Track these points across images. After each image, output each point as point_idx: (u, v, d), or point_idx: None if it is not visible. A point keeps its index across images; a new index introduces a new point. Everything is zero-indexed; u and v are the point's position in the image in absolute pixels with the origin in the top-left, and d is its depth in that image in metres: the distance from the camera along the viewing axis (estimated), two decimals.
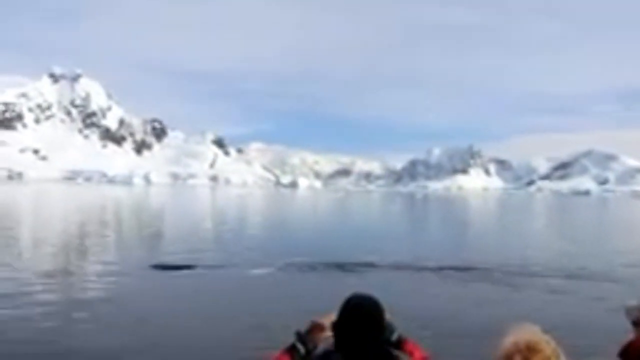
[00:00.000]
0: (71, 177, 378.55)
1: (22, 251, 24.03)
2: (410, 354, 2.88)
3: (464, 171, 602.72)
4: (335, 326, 2.80)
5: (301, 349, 2.83)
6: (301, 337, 2.86)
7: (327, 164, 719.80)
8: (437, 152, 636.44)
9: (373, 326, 2.76)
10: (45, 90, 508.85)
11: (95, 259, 21.04)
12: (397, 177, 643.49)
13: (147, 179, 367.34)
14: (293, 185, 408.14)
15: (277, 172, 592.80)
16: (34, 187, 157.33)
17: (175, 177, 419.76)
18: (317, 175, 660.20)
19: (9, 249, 24.47)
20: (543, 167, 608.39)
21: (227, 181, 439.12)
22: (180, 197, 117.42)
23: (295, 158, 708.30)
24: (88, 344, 10.20)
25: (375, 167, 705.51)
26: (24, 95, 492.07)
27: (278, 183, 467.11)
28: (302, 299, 14.44)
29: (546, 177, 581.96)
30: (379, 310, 2.82)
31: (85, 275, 17.58)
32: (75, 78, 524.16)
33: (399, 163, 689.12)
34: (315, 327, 2.89)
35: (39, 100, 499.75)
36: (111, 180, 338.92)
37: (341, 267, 19.83)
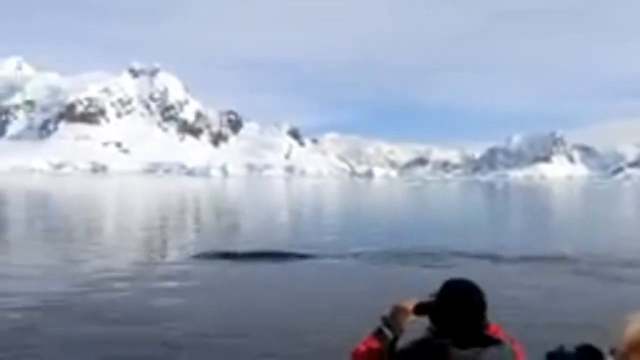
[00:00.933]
0: (152, 169, 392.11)
1: (110, 240, 25.13)
2: (496, 334, 2.92)
3: (546, 159, 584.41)
4: (436, 311, 2.79)
5: (388, 333, 2.82)
6: (387, 321, 2.84)
7: (403, 153, 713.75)
8: (517, 139, 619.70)
9: (478, 310, 2.80)
10: (126, 85, 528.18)
11: (178, 248, 21.68)
12: (476, 165, 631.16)
13: (224, 171, 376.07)
14: (368, 175, 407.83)
15: (352, 162, 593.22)
16: (118, 180, 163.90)
17: (251, 168, 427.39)
18: (393, 164, 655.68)
19: (97, 237, 25.65)
20: (631, 153, 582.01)
21: (303, 172, 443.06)
22: (257, 188, 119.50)
23: (371, 148, 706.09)
24: (178, 330, 10.58)
25: (452, 155, 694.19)
26: (106, 90, 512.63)
27: (353, 173, 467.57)
28: (382, 287, 14.45)
29: (635, 164, 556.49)
30: (482, 294, 2.85)
31: (168, 263, 18.18)
32: (153, 73, 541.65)
33: (477, 151, 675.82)
34: (400, 311, 2.88)
35: (120, 95, 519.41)
36: (190, 172, 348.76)
37: (422, 256, 19.67)
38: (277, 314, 11.76)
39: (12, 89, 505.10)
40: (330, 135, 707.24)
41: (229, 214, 43.98)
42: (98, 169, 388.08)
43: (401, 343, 2.74)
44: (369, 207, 57.90)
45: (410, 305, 2.86)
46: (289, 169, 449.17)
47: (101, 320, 11.14)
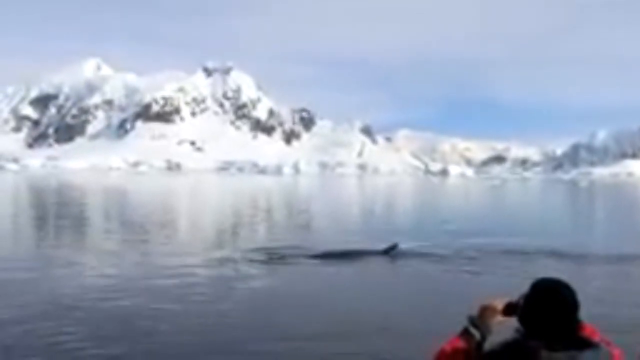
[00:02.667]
0: (225, 167, 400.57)
1: (186, 236, 25.85)
2: (592, 336, 2.79)
3: (634, 155, 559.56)
4: (525, 312, 2.70)
5: (476, 333, 2.75)
6: (474, 321, 2.77)
7: (480, 150, 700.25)
8: (602, 135, 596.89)
9: (571, 310, 2.70)
10: (200, 84, 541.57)
11: (251, 245, 21.97)
12: (557, 163, 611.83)
13: (296, 168, 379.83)
14: (443, 173, 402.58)
15: (427, 159, 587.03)
16: (193, 178, 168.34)
17: (323, 166, 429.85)
18: (469, 162, 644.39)
19: (174, 233, 26.44)
20: None
21: (375, 170, 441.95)
22: (330, 186, 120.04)
23: (446, 145, 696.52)
24: (253, 324, 10.77)
25: (532, 152, 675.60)
26: (181, 89, 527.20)
27: (427, 171, 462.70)
28: (465, 288, 14.27)
29: None
30: (574, 293, 2.76)
31: (239, 260, 18.49)
32: (226, 71, 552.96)
33: (558, 148, 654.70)
34: (487, 311, 2.80)
35: (195, 94, 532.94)
36: (262, 171, 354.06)
37: (505, 254, 19.31)
38: (363, 313, 11.78)
39: (92, 90, 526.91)
40: (404, 132, 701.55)
41: (303, 212, 44.42)
42: (173, 167, 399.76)
43: (488, 345, 2.65)
44: (446, 206, 57.17)
45: (498, 305, 2.79)
46: (362, 167, 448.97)
47: (175, 314, 11.48)
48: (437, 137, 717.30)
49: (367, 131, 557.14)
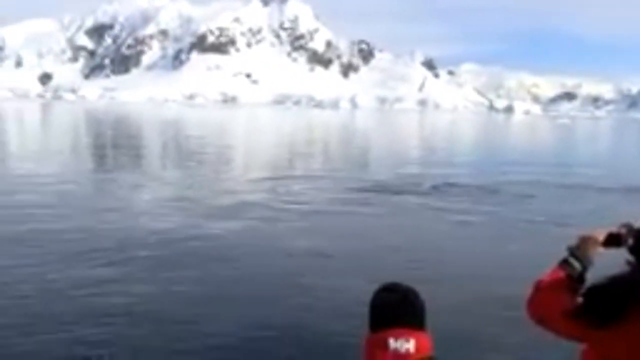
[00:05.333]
0: (280, 100, 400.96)
1: (240, 167, 26.66)
2: None
3: None
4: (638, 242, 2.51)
5: (576, 264, 2.60)
6: (574, 252, 2.62)
7: (548, 86, 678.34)
8: None
9: None
10: (256, 14, 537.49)
11: (304, 181, 22.40)
12: (632, 101, 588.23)
13: (353, 103, 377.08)
14: (508, 110, 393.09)
15: (491, 96, 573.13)
16: (249, 111, 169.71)
17: (382, 101, 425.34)
18: (536, 99, 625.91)
19: (232, 166, 27.29)
20: None
21: (437, 105, 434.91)
22: (388, 121, 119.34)
23: (512, 80, 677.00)
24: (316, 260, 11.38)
25: (605, 90, 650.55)
26: (236, 19, 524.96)
27: (491, 108, 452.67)
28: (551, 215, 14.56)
29: None
30: None
31: (293, 193, 19.09)
32: (283, 1, 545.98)
33: (634, 86, 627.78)
34: (588, 242, 2.64)
35: (250, 24, 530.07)
36: (318, 104, 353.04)
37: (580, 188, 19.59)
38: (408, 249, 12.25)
39: (146, 19, 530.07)
40: (468, 66, 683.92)
41: (360, 147, 44.74)
42: (228, 100, 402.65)
43: (591, 277, 2.51)
44: (511, 145, 56.43)
45: (599, 235, 2.65)
46: (422, 103, 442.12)
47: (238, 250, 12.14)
48: (503, 72, 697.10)
49: (429, 64, 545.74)
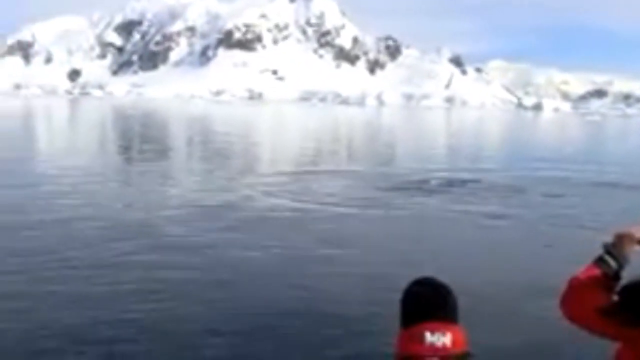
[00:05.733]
0: (306, 97, 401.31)
1: (266, 163, 26.78)
2: None
3: None
4: None
5: (612, 262, 2.53)
6: (609, 249, 2.55)
7: (578, 83, 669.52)
8: None
9: None
10: (283, 10, 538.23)
11: (329, 178, 22.45)
12: None
13: (379, 100, 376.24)
14: (537, 107, 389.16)
15: (519, 93, 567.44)
16: (274, 107, 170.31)
17: (408, 97, 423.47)
18: (565, 96, 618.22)
19: (254, 160, 27.42)
20: None
21: (464, 102, 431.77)
22: (415, 118, 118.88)
23: (541, 77, 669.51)
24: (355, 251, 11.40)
25: (637, 87, 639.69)
26: (263, 16, 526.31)
27: (520, 105, 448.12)
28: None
29: None
30: None
31: (324, 188, 19.14)
32: None
33: None
34: (624, 239, 2.56)
35: (277, 21, 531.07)
36: (344, 101, 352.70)
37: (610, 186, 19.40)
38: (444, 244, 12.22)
39: (174, 16, 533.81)
40: (496, 63, 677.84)
41: (386, 143, 44.67)
42: (254, 96, 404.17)
43: (627, 276, 2.47)
44: (542, 141, 55.90)
45: (636, 232, 2.57)
46: (449, 100, 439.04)
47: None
48: (532, 68, 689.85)
49: (456, 61, 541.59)
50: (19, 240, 11.21)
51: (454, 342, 2.06)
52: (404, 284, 2.17)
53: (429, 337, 2.07)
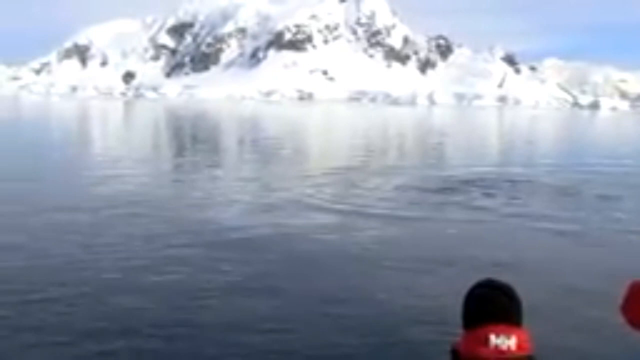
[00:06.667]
0: (357, 97, 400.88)
1: (317, 162, 26.99)
2: None
3: None
4: None
5: None
6: None
7: (637, 82, 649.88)
8: None
9: None
10: (333, 10, 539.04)
11: (379, 178, 22.52)
12: None
13: (431, 100, 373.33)
14: (593, 106, 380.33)
15: (575, 91, 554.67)
16: (324, 107, 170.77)
17: (460, 97, 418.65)
18: (624, 95, 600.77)
19: (305, 160, 27.65)
20: None
21: (517, 102, 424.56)
22: (466, 118, 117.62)
23: (598, 76, 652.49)
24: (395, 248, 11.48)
25: None
26: (313, 16, 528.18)
27: (575, 104, 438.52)
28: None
29: None
30: None
31: (370, 189, 19.21)
32: None
33: None
34: None
35: (327, 21, 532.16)
36: (395, 101, 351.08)
37: None
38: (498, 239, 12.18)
39: (225, 18, 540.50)
40: (551, 62, 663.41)
41: (438, 144, 44.44)
42: (304, 97, 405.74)
43: None
44: (598, 141, 54.72)
45: None
46: (502, 99, 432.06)
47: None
48: (589, 67, 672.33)
49: (509, 60, 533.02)
50: (85, 235, 11.69)
51: (519, 346, 2.03)
52: (468, 286, 2.18)
53: (493, 339, 2.04)
